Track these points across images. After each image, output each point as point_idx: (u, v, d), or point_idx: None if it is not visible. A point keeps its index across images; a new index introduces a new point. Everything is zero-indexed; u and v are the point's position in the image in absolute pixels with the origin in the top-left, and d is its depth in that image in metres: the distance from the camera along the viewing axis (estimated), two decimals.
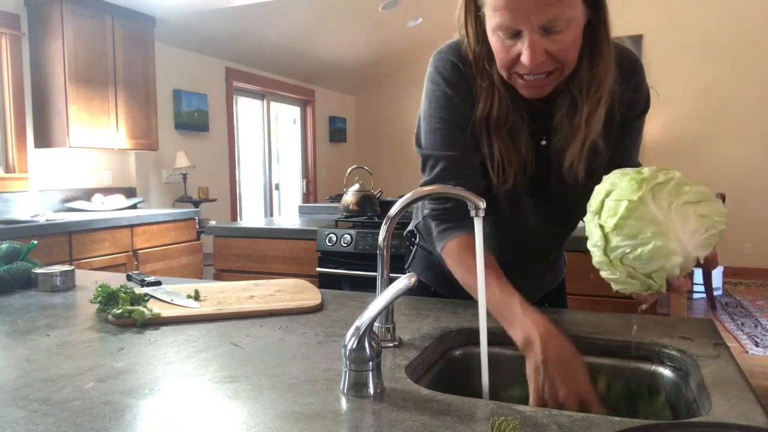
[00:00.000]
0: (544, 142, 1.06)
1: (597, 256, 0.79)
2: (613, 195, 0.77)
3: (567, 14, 0.87)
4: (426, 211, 1.09)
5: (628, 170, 0.80)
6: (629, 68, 1.05)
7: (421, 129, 1.10)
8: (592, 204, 0.80)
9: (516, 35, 0.89)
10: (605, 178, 0.82)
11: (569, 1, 0.87)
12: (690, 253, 0.76)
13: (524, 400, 0.85)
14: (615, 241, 0.76)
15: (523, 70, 0.92)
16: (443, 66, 1.06)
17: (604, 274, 0.80)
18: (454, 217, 1.05)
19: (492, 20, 0.90)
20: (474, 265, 0.86)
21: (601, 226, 0.77)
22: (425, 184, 1.07)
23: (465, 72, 1.04)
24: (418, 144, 1.11)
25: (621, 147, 1.07)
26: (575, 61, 0.94)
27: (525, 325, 0.85)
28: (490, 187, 1.07)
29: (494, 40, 0.93)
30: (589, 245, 0.81)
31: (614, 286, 0.81)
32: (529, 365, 0.84)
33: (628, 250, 0.76)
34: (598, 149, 1.02)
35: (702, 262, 0.79)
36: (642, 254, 0.75)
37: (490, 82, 1.00)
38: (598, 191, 0.80)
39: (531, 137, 1.04)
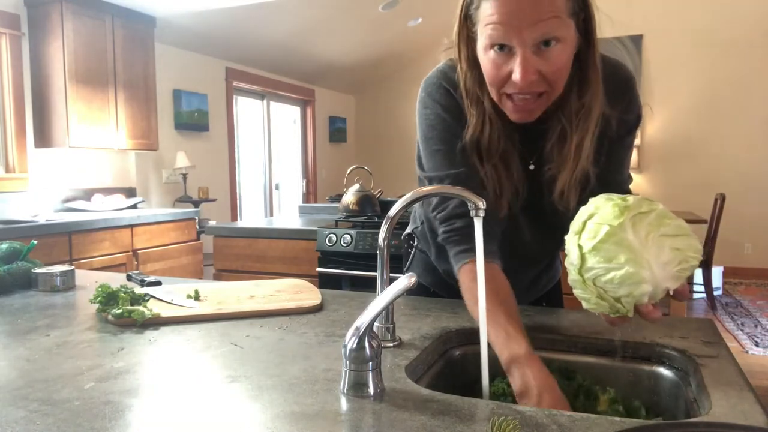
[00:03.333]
0: (532, 167, 1.06)
1: (572, 274, 0.81)
2: (595, 218, 0.80)
3: (560, 32, 0.87)
4: (439, 238, 1.07)
5: (614, 196, 0.82)
6: (623, 87, 1.04)
7: (420, 152, 1.11)
8: (575, 224, 0.82)
9: (508, 53, 0.89)
10: (591, 200, 0.83)
11: (563, 19, 0.87)
12: (659, 284, 0.77)
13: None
14: (591, 262, 0.78)
15: (513, 89, 0.91)
16: (435, 91, 1.06)
17: (576, 292, 0.83)
18: (469, 239, 1.00)
19: (484, 37, 0.90)
20: (489, 298, 0.85)
21: (580, 246, 0.79)
22: (434, 208, 1.07)
23: (456, 95, 1.04)
24: (421, 167, 1.12)
25: (610, 161, 1.06)
26: (563, 85, 0.94)
27: (525, 374, 0.84)
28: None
29: (486, 59, 0.92)
30: (567, 263, 0.83)
31: (584, 305, 0.82)
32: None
33: (601, 273, 0.78)
34: (588, 176, 1.02)
35: (671, 293, 0.80)
36: (614, 279, 0.77)
37: (481, 108, 1.00)
38: (582, 212, 0.83)
39: (520, 161, 1.05)
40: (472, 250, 1.00)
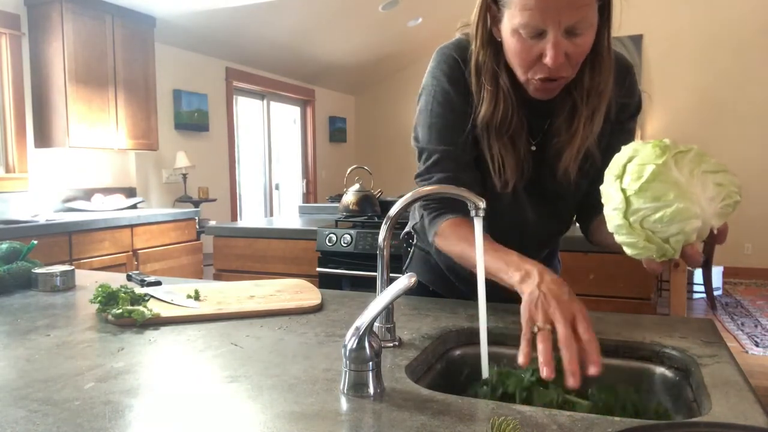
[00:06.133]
0: (534, 148, 1.09)
1: (616, 219, 0.79)
2: (636, 160, 0.78)
3: (590, 18, 0.91)
4: (418, 203, 1.12)
5: (649, 140, 0.80)
6: (623, 73, 1.07)
7: (417, 122, 1.12)
8: (613, 169, 0.80)
9: (539, 35, 0.91)
10: (624, 147, 0.82)
11: (593, 6, 0.90)
12: (708, 219, 0.77)
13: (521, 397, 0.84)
14: (637, 203, 0.76)
15: (541, 73, 0.94)
16: (446, 62, 1.07)
17: (620, 238, 0.80)
18: (445, 206, 1.07)
19: (517, 19, 0.91)
20: (470, 236, 0.88)
21: (623, 190, 0.77)
22: (418, 176, 1.11)
23: (466, 70, 1.05)
24: (416, 137, 1.14)
25: (613, 147, 1.07)
26: (578, 68, 0.97)
27: (522, 265, 0.89)
28: (491, 184, 1.08)
29: (514, 41, 0.94)
30: (607, 210, 0.81)
31: (629, 251, 0.81)
32: (525, 296, 0.85)
33: (649, 213, 0.76)
34: (590, 153, 1.05)
35: (715, 232, 0.79)
36: (663, 216, 0.75)
37: (496, 86, 1.02)
38: (619, 158, 0.81)
39: (526, 140, 1.07)
40: (447, 211, 1.06)
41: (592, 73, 1.00)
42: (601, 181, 0.84)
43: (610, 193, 0.80)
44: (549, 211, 1.16)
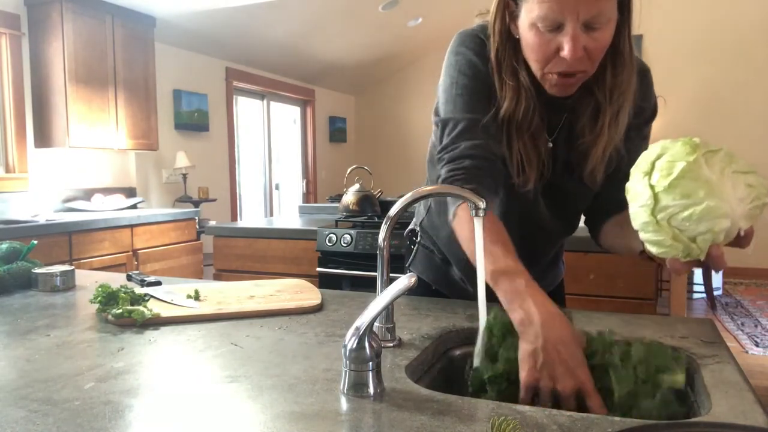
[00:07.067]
0: (550, 145, 1.07)
1: (643, 216, 0.77)
2: (665, 157, 0.77)
3: (608, 12, 0.90)
4: (441, 179, 1.03)
5: (679, 138, 0.79)
6: (639, 76, 1.06)
7: (440, 101, 1.09)
8: (641, 166, 0.79)
9: (557, 29, 0.90)
10: (652, 145, 0.81)
11: (612, 1, 0.90)
12: (737, 220, 0.75)
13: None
14: (665, 200, 0.75)
15: (559, 68, 0.93)
16: (471, 40, 1.06)
17: (646, 236, 0.78)
18: (473, 179, 0.99)
19: (534, 12, 0.90)
20: (487, 231, 0.85)
21: (652, 186, 0.76)
22: (442, 149, 1.05)
23: (489, 50, 1.03)
24: (437, 114, 1.10)
25: (628, 150, 1.07)
26: (598, 64, 0.96)
27: (525, 303, 0.82)
28: (509, 179, 1.07)
29: (531, 34, 0.93)
30: (634, 208, 0.79)
31: (654, 250, 0.79)
32: (523, 348, 0.80)
33: (678, 210, 0.74)
34: (617, 154, 1.04)
35: (742, 234, 0.77)
36: (693, 214, 0.74)
37: (517, 81, 1.00)
38: (648, 155, 0.79)
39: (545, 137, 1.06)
40: (479, 189, 0.97)
41: (614, 71, 0.98)
42: (613, 182, 0.83)
43: (637, 190, 0.78)
44: (563, 208, 1.15)
